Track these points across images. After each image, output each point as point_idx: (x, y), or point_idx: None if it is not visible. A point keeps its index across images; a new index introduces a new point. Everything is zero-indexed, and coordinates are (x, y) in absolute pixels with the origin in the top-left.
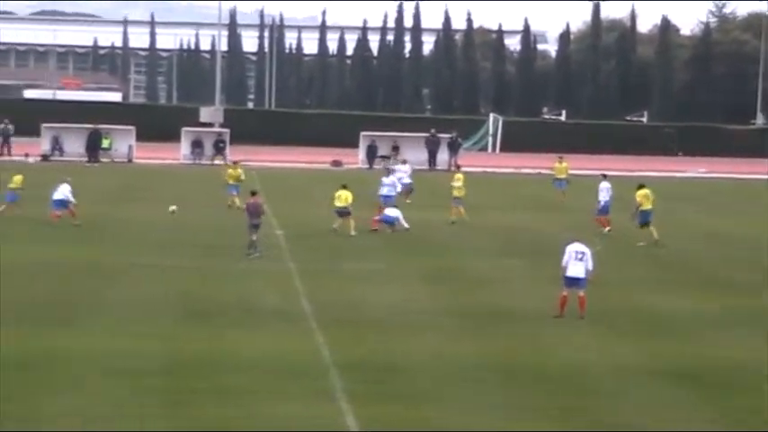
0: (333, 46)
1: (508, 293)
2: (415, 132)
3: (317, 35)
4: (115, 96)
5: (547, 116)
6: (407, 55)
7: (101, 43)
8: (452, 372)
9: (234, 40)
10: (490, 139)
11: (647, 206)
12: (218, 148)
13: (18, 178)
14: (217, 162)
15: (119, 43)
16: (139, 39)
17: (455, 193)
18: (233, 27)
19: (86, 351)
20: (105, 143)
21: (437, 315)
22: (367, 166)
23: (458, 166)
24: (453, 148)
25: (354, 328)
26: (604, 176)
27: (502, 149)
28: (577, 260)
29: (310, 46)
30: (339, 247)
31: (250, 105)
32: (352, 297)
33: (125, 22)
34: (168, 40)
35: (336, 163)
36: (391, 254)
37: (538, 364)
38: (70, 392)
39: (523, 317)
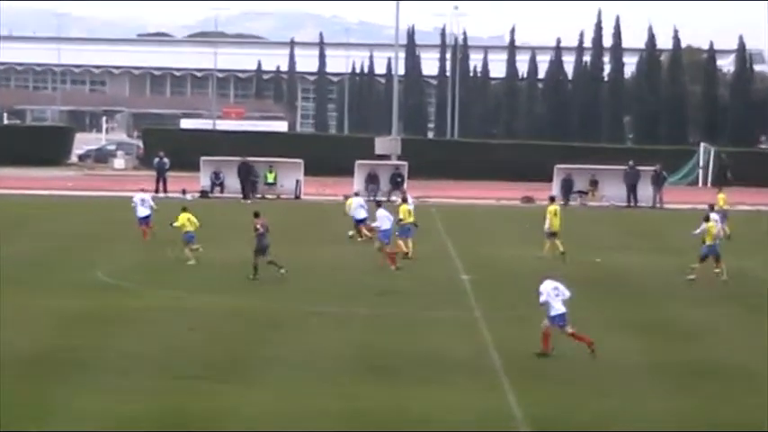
0: (522, 68)
1: (718, 346)
2: (615, 165)
3: (504, 56)
4: (281, 126)
5: (765, 146)
6: (606, 78)
7: (265, 67)
8: None
9: (412, 62)
10: (700, 172)
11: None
12: (396, 183)
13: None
14: (393, 198)
15: (285, 67)
16: (307, 62)
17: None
18: (411, 48)
19: (256, 411)
20: (270, 177)
21: (637, 369)
22: (562, 202)
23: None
24: (657, 182)
25: (548, 383)
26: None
27: (714, 183)
28: (556, 297)
29: (497, 68)
30: (529, 292)
31: (430, 135)
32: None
33: (292, 44)
34: (339, 62)
35: (527, 199)
36: (587, 300)
37: (747, 425)
38: None
39: (733, 372)
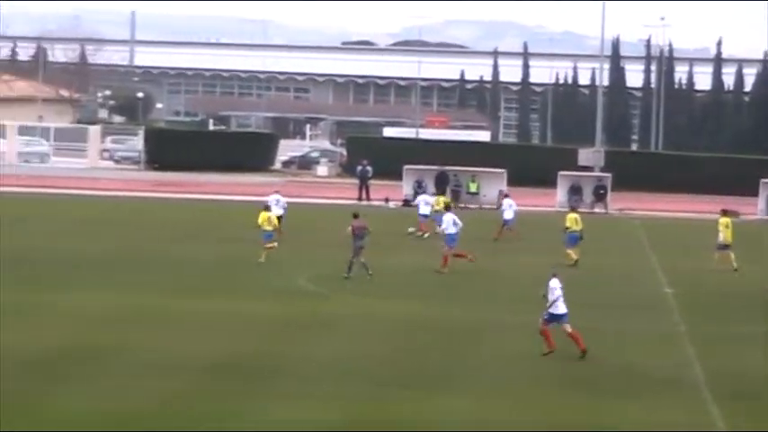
0: (729, 80)
1: None
2: None
3: (710, 68)
4: (483, 136)
5: None
6: None
7: (468, 76)
8: None
9: (616, 73)
10: None
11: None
12: (599, 195)
13: None
14: (597, 210)
15: (488, 76)
16: (511, 72)
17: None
18: (616, 59)
19: (451, 419)
20: (473, 187)
21: None
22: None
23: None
24: None
25: (754, 402)
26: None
27: None
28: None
29: (703, 80)
30: (735, 308)
31: (634, 147)
32: (752, 365)
33: (495, 54)
34: (543, 73)
35: (730, 213)
36: None
37: None
38: None
39: None
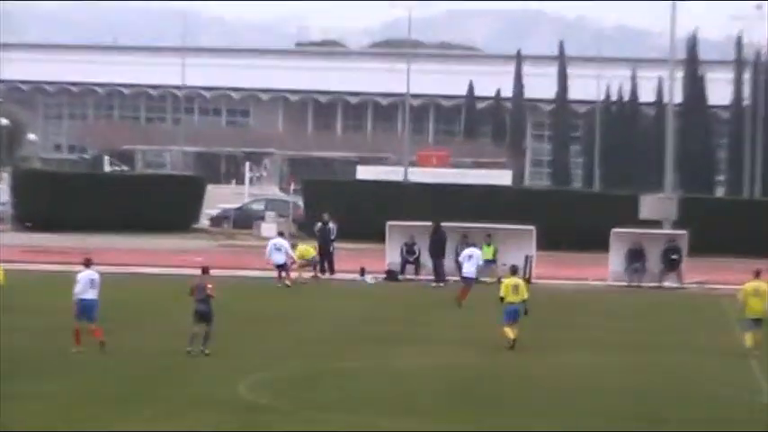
0: None
1: None
2: None
3: None
4: (502, 177)
5: None
6: None
7: (479, 92)
8: None
9: (693, 85)
10: None
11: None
12: (670, 261)
13: None
14: (667, 284)
15: (508, 92)
16: (541, 84)
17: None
18: (692, 65)
19: None
20: (487, 253)
21: None
22: None
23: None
24: None
25: None
26: None
27: None
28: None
29: None
30: None
31: (719, 192)
32: None
33: (519, 58)
34: (588, 85)
35: None
36: None
37: None
38: None
39: None
